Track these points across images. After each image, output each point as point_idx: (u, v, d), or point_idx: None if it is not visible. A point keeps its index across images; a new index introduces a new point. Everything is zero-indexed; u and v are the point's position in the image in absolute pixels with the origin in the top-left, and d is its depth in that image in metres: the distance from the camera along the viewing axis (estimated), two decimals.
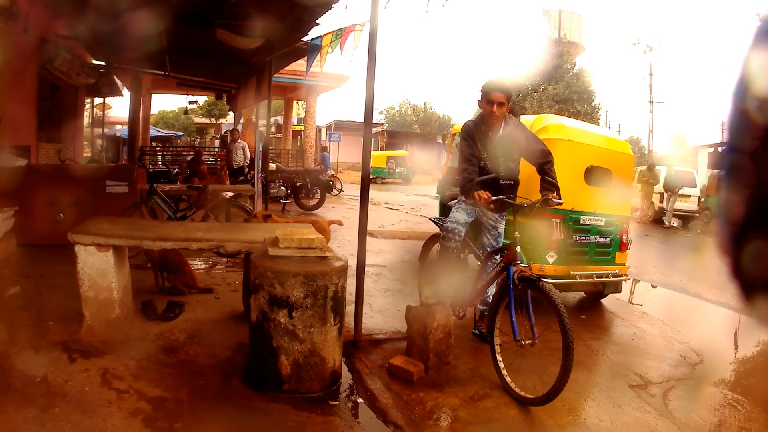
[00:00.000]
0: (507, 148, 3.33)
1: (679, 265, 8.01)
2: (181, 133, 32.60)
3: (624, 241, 4.73)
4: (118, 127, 22.31)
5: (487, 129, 3.32)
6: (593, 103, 24.14)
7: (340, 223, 5.56)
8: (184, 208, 5.71)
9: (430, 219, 4.44)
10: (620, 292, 5.05)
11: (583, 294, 5.16)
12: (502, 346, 2.98)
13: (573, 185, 4.28)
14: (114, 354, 2.91)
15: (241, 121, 13.83)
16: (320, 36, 5.74)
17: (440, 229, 3.66)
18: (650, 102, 28.22)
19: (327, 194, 11.53)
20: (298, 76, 13.81)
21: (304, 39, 5.98)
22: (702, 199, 13.98)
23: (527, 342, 2.78)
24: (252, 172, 9.77)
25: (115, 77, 10.71)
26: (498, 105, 3.20)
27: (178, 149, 22.43)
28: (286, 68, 8.49)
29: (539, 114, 5.63)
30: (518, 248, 2.96)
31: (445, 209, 4.77)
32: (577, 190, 4.40)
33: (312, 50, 5.84)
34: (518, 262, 2.94)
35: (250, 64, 7.88)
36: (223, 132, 20.61)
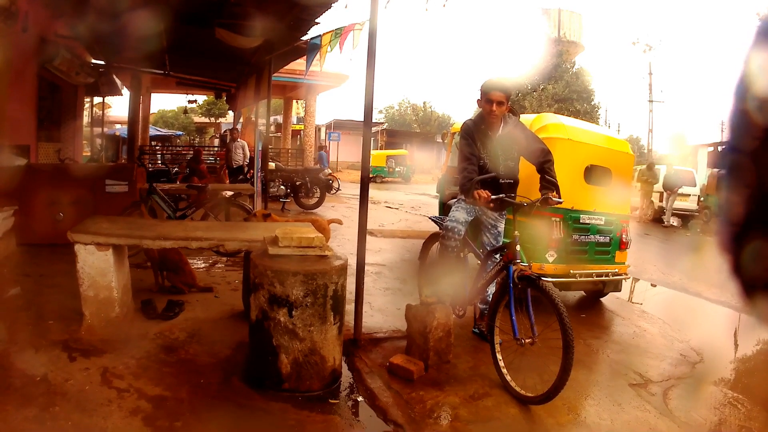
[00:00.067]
0: (506, 147, 3.33)
1: (678, 264, 8.02)
2: (180, 133, 32.59)
3: (624, 240, 4.73)
4: (118, 126, 22.33)
5: (486, 128, 3.33)
6: (593, 103, 24.09)
7: (339, 222, 5.56)
8: (183, 207, 5.71)
9: (429, 218, 4.44)
10: (620, 290, 5.05)
11: (583, 293, 5.17)
12: (502, 344, 2.98)
13: (573, 184, 4.29)
14: (114, 353, 2.91)
15: (241, 120, 13.83)
16: (320, 35, 5.74)
17: (440, 228, 3.66)
18: (650, 101, 28.21)
19: (326, 193, 11.53)
20: (297, 75, 13.81)
21: (304, 38, 5.99)
22: (701, 198, 13.99)
23: (527, 341, 2.79)
24: (251, 171, 9.76)
25: (114, 76, 10.70)
26: (497, 104, 3.20)
27: (178, 148, 22.46)
28: (285, 67, 8.48)
29: (539, 113, 5.63)
30: (518, 247, 2.97)
31: (444, 208, 4.77)
32: (577, 189, 4.40)
33: (311, 49, 5.85)
34: (518, 260, 2.94)
35: (249, 64, 7.88)
36: (222, 131, 20.60)
